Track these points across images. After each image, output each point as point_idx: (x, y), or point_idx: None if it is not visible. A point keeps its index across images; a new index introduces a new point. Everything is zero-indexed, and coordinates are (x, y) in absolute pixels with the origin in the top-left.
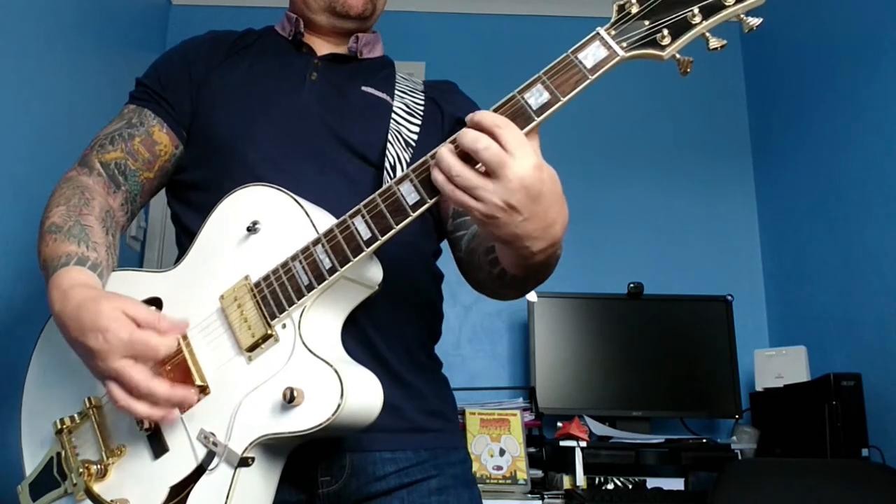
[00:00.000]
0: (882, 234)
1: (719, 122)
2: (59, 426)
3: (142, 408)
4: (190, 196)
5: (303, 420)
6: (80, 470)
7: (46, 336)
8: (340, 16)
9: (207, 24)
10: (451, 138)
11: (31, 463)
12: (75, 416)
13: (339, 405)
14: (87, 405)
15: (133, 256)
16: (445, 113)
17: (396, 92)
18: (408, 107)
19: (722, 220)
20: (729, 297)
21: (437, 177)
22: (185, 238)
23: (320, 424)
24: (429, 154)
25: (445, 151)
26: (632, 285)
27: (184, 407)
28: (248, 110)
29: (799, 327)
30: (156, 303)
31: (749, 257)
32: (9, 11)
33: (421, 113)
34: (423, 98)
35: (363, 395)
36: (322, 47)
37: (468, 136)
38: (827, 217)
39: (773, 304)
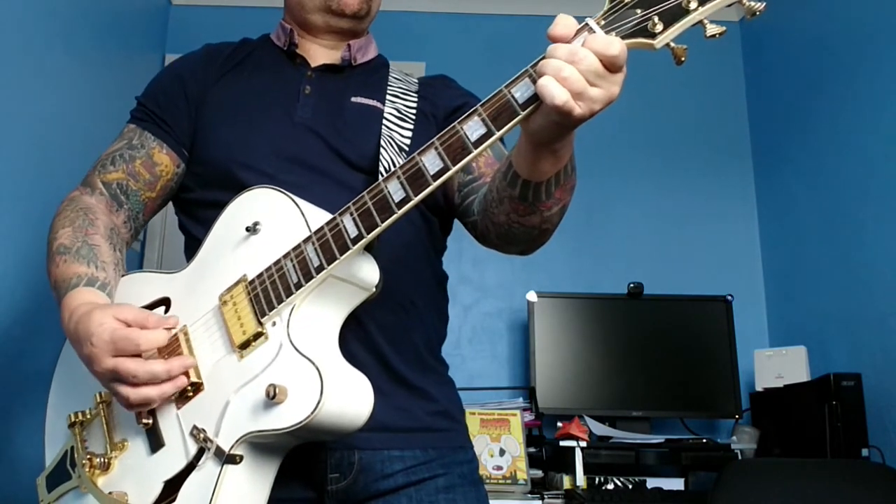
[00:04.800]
0: (882, 234)
1: (719, 122)
2: (71, 420)
3: (152, 392)
4: (196, 212)
5: (284, 418)
6: (83, 462)
7: None
8: (336, 14)
9: (207, 24)
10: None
11: (51, 455)
12: (87, 410)
13: (318, 403)
14: (98, 400)
15: (133, 256)
16: (438, 110)
17: (388, 96)
18: (399, 111)
19: (722, 220)
20: (729, 297)
21: (543, 79)
22: (193, 244)
23: (299, 423)
24: (416, 152)
25: (553, 56)
26: (632, 285)
27: (185, 375)
28: (245, 129)
29: (799, 327)
30: (165, 303)
31: (749, 257)
32: (9, 11)
33: (413, 116)
34: (415, 99)
35: (348, 396)
36: (316, 55)
37: (587, 57)
38: (827, 217)
39: (773, 304)
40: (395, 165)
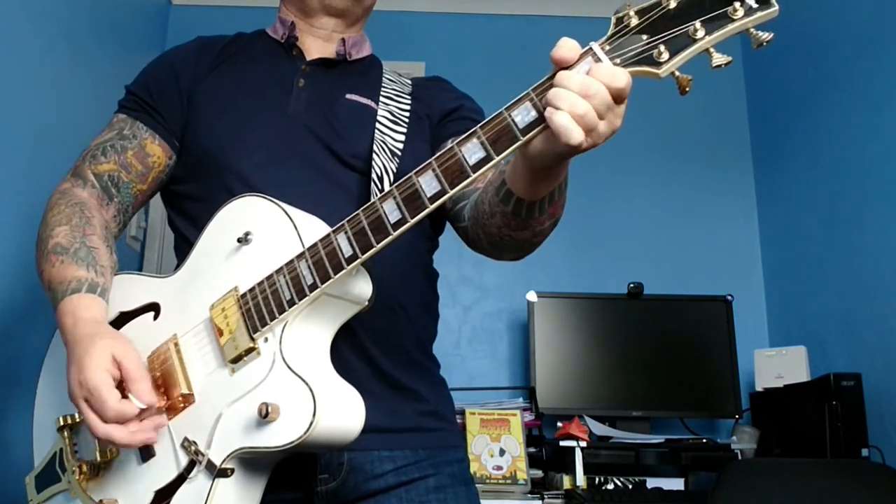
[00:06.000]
0: (882, 234)
1: (719, 122)
2: (60, 423)
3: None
4: (185, 206)
5: (276, 437)
6: (73, 468)
7: (59, 336)
8: None
9: (207, 24)
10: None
11: (39, 456)
12: (76, 414)
13: (311, 423)
14: None
15: (133, 256)
16: (433, 112)
17: (381, 98)
18: (392, 114)
19: (722, 220)
20: (729, 297)
21: (559, 115)
22: (183, 245)
23: (292, 442)
24: (413, 172)
25: (564, 90)
26: (632, 285)
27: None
28: (238, 121)
29: (799, 327)
30: (154, 308)
31: (749, 257)
32: (9, 11)
33: (406, 120)
34: (409, 102)
35: (340, 414)
36: (313, 49)
37: (585, 84)
38: (827, 217)
39: (773, 304)
40: (387, 170)
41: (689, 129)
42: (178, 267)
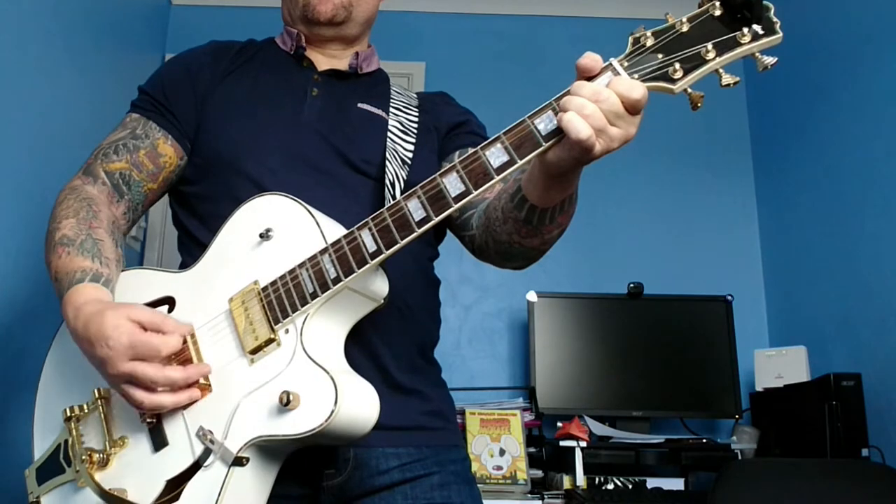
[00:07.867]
0: (882, 234)
1: (719, 122)
2: (67, 414)
3: (167, 399)
4: (194, 205)
5: (297, 424)
6: (84, 457)
7: (65, 329)
8: (312, 22)
9: (207, 24)
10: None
11: (41, 448)
12: (85, 405)
13: (332, 412)
14: (97, 395)
15: (133, 256)
16: (441, 124)
17: (391, 109)
18: (402, 124)
19: (722, 220)
20: (729, 297)
21: (567, 114)
22: (189, 243)
23: (314, 429)
24: (438, 174)
25: (576, 96)
26: (632, 285)
27: (202, 380)
28: (252, 125)
29: (799, 327)
30: (169, 301)
31: (749, 257)
32: (8, 11)
33: (415, 131)
34: (416, 114)
35: (358, 405)
36: (322, 62)
37: (602, 93)
38: (827, 217)
39: (773, 304)
40: (398, 177)
41: (689, 129)
42: (184, 264)
